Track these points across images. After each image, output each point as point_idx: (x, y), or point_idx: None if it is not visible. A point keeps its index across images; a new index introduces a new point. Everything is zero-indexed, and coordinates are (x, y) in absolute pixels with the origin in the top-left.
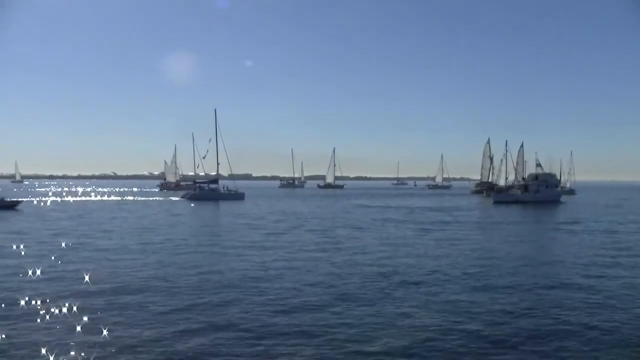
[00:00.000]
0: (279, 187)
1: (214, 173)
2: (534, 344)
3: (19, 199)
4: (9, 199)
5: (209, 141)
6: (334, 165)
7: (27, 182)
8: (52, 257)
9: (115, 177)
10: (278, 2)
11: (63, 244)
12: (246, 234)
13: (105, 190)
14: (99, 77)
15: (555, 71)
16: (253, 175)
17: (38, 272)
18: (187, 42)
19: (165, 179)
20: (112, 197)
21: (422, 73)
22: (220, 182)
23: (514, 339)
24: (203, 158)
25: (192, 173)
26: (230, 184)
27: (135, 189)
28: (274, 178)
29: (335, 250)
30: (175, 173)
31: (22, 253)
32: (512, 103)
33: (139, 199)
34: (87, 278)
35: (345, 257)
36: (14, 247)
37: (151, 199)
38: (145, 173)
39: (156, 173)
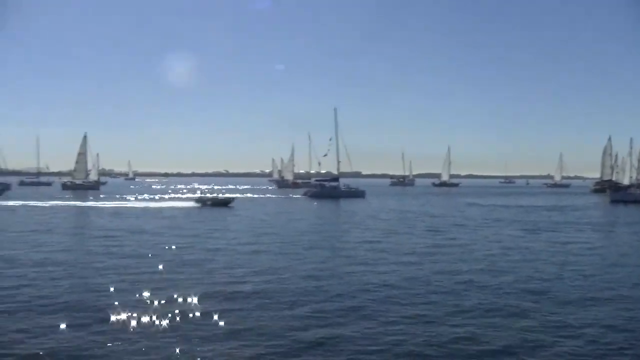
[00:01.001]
0: (390, 185)
1: (324, 171)
2: None
3: (233, 196)
4: (222, 196)
5: (330, 140)
6: (449, 164)
7: (138, 180)
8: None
9: (228, 174)
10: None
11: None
12: (370, 233)
13: (224, 187)
14: (209, 77)
15: None
16: (363, 173)
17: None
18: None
19: (281, 177)
20: (244, 195)
21: (534, 69)
22: (340, 180)
23: None
24: (324, 156)
25: (302, 171)
26: (351, 182)
27: (254, 187)
28: (383, 176)
29: (448, 253)
30: (292, 171)
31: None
32: (629, 99)
33: (268, 196)
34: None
35: (458, 261)
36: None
37: (274, 196)
38: (257, 171)
39: (267, 171)
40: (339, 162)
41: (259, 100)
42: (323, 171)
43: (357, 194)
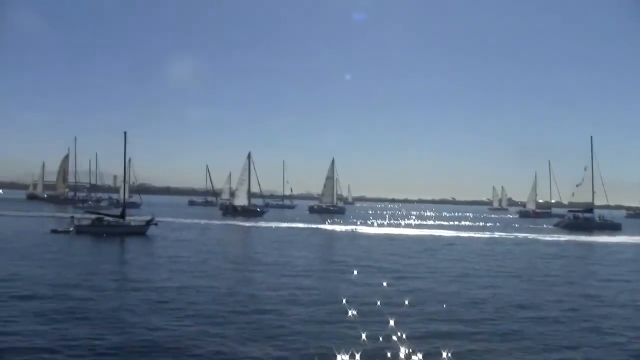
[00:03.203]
0: (625, 216)
1: (542, 201)
2: None
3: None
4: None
5: (585, 169)
6: None
7: (358, 204)
8: None
9: (454, 202)
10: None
11: None
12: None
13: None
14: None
15: None
16: (595, 203)
17: None
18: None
19: (523, 206)
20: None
21: None
22: (595, 211)
23: None
24: (577, 186)
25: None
26: (606, 214)
27: (482, 215)
28: (617, 207)
29: None
30: (535, 200)
31: None
32: None
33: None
34: None
35: None
36: None
37: (516, 226)
38: (484, 199)
39: (491, 199)
40: (593, 192)
41: (486, 126)
42: (553, 200)
43: (612, 226)
